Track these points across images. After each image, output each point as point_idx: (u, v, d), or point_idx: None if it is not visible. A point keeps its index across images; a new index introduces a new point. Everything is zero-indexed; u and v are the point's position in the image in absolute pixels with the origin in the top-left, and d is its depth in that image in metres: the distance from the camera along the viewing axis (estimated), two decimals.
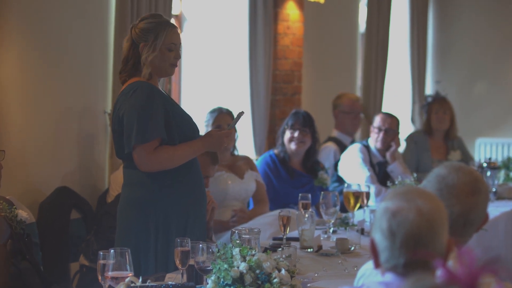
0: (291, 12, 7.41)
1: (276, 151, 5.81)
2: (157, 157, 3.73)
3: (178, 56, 3.89)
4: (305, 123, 5.66)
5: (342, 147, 6.35)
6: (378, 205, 2.17)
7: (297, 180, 5.73)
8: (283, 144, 5.74)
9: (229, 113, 5.50)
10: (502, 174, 6.65)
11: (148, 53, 3.81)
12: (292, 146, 5.68)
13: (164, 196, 3.80)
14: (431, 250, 2.06)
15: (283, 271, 2.95)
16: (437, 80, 9.61)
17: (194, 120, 3.98)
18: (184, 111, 3.94)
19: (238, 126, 4.31)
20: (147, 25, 3.83)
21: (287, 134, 5.70)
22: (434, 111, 7.19)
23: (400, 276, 2.09)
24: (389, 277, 2.11)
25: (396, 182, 4.95)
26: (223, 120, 5.43)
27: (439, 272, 1.69)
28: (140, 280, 2.93)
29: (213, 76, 6.97)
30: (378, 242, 2.12)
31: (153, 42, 3.81)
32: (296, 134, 5.65)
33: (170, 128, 3.78)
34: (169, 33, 3.84)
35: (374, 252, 2.14)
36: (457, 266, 1.69)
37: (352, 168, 5.88)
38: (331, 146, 6.57)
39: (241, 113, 3.90)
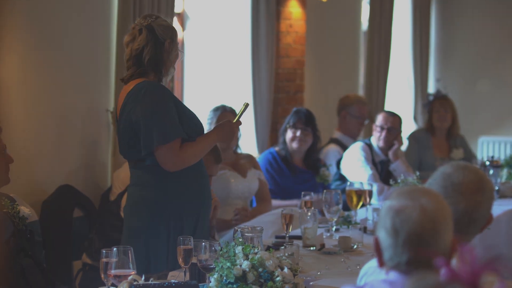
0: (294, 10, 7.41)
1: (277, 148, 5.83)
2: (184, 155, 3.73)
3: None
4: (307, 122, 5.68)
5: (345, 149, 6.33)
6: (382, 203, 2.18)
7: (299, 176, 5.74)
8: (284, 142, 5.75)
9: (232, 111, 5.50)
10: (504, 172, 6.64)
11: (176, 51, 3.83)
12: (294, 145, 5.70)
13: (179, 197, 3.79)
14: (434, 249, 2.07)
15: (285, 269, 2.95)
16: (437, 78, 9.60)
17: (198, 117, 3.99)
18: (189, 109, 3.95)
19: (241, 125, 4.32)
20: (166, 23, 3.84)
21: (289, 133, 5.71)
22: (435, 109, 7.18)
23: (403, 274, 2.09)
24: (393, 275, 2.11)
25: (399, 181, 4.95)
26: (227, 118, 5.42)
27: (442, 271, 1.69)
28: (143, 278, 2.93)
29: (215, 74, 6.97)
30: (382, 240, 2.12)
31: (175, 39, 3.84)
32: (298, 133, 5.68)
33: (181, 125, 3.78)
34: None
35: (378, 251, 2.14)
36: (459, 264, 1.69)
37: (355, 167, 5.88)
38: (334, 148, 6.56)
39: (246, 105, 3.93)
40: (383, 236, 2.12)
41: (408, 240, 2.07)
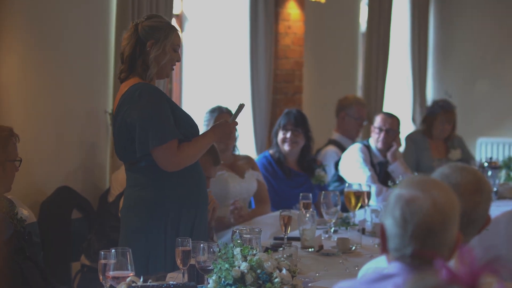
0: (292, 12, 7.41)
1: (271, 151, 5.82)
2: (182, 155, 3.74)
3: (179, 58, 3.91)
4: (297, 123, 5.66)
5: (343, 150, 6.33)
6: (381, 204, 2.17)
7: (293, 179, 5.72)
8: (277, 144, 5.75)
9: (228, 112, 5.49)
10: (503, 173, 6.64)
11: (158, 52, 3.79)
12: (286, 147, 5.69)
13: (175, 197, 3.79)
14: (440, 242, 2.06)
15: (284, 271, 2.95)
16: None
17: (194, 119, 3.99)
18: (183, 110, 3.95)
19: (238, 126, 4.33)
20: (156, 23, 3.81)
21: (280, 135, 5.71)
22: (440, 121, 7.04)
23: (407, 266, 2.08)
24: (395, 266, 2.10)
25: (397, 182, 4.95)
26: (224, 119, 5.41)
27: (441, 271, 1.68)
28: (141, 279, 2.93)
29: (214, 76, 6.97)
30: (388, 229, 2.11)
31: (162, 41, 3.80)
32: (288, 134, 5.66)
33: (177, 126, 3.78)
34: (176, 34, 3.86)
35: (383, 238, 2.13)
36: (459, 265, 1.69)
37: (353, 168, 5.88)
38: (332, 150, 6.56)
39: (241, 105, 3.94)
40: (391, 224, 2.10)
41: (417, 231, 2.05)
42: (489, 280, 1.68)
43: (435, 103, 7.30)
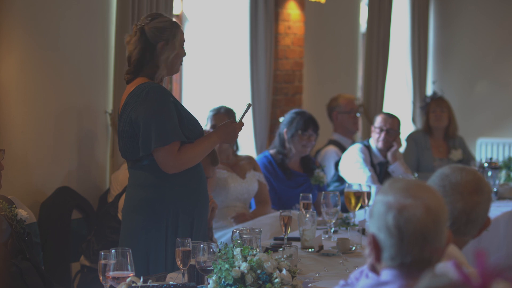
0: (292, 12, 7.41)
1: (272, 151, 5.80)
2: (183, 157, 3.74)
3: (185, 53, 3.93)
4: (316, 126, 5.72)
5: (343, 150, 6.34)
6: (374, 201, 2.12)
7: (293, 180, 5.72)
8: (283, 146, 5.72)
9: (227, 112, 5.49)
10: (503, 174, 6.65)
11: (170, 53, 3.81)
12: (307, 150, 5.72)
13: (174, 196, 3.80)
14: (435, 245, 2.06)
15: (284, 271, 2.95)
16: (433, 80, 9.60)
17: (198, 120, 3.99)
18: (189, 111, 3.95)
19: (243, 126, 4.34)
20: (162, 24, 3.82)
21: (301, 138, 5.68)
22: (432, 109, 7.21)
23: (403, 273, 2.07)
24: (389, 274, 2.09)
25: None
26: (219, 120, 5.41)
27: (454, 272, 1.66)
28: (141, 280, 2.93)
29: (214, 76, 6.97)
30: (382, 239, 2.08)
31: (172, 41, 3.81)
32: (311, 138, 5.69)
33: (181, 128, 3.78)
34: (181, 31, 3.89)
35: (376, 247, 2.10)
36: (472, 268, 1.67)
37: (353, 168, 5.88)
38: (332, 150, 6.57)
39: (249, 105, 3.96)
40: (384, 234, 2.07)
41: (413, 239, 2.04)
42: (501, 286, 1.65)
43: (425, 98, 7.61)
